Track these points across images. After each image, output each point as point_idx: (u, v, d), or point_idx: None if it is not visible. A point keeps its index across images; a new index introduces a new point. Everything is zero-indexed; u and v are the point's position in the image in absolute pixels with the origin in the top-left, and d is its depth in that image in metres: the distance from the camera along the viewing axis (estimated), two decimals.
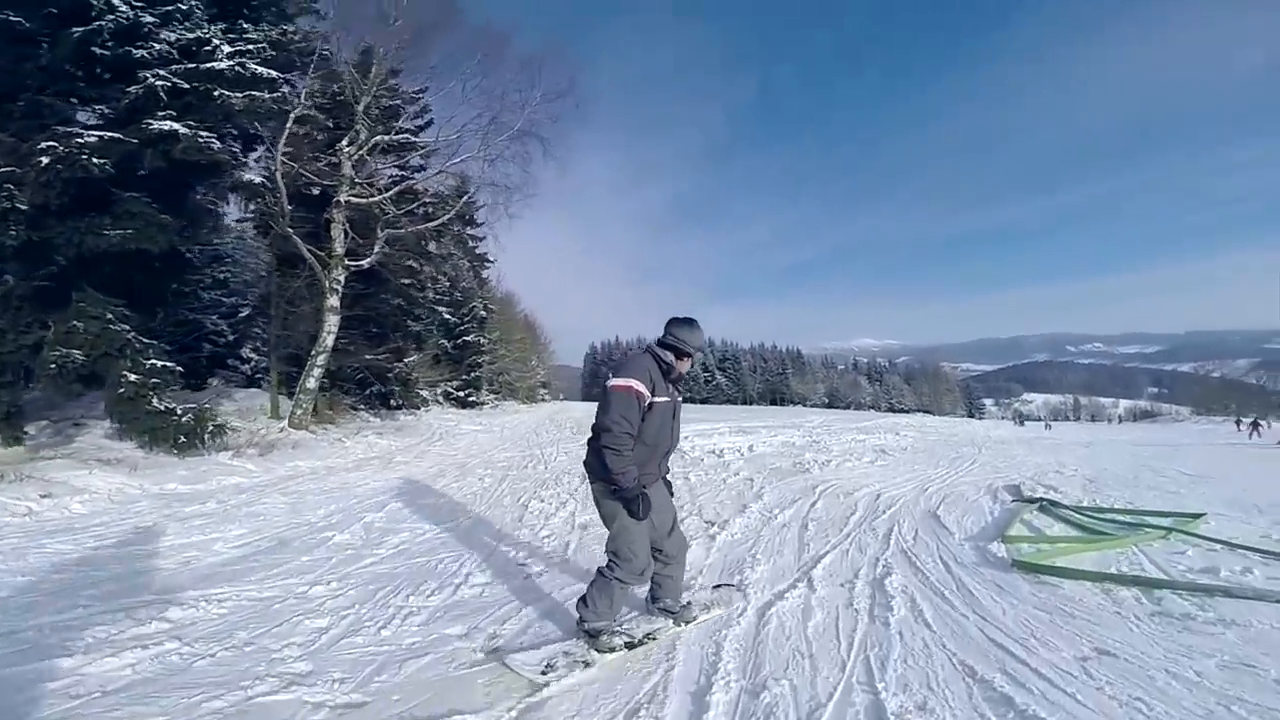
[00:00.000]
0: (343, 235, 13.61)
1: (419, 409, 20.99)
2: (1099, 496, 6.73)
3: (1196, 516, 5.17)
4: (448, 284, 31.56)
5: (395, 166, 15.72)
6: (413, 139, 15.32)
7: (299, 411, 13.07)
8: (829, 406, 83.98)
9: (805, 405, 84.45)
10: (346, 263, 13.77)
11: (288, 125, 11.81)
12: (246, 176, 11.33)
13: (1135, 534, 4.59)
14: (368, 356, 16.55)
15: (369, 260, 14.15)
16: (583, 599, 2.81)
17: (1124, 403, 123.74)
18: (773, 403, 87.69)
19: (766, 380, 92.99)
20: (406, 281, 17.32)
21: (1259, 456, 11.96)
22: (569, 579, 3.99)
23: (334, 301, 13.59)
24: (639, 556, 2.73)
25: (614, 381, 2.65)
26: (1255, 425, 27.83)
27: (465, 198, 16.51)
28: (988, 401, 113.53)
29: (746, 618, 3.22)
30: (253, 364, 17.97)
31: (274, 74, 9.96)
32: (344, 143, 13.52)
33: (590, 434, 2.81)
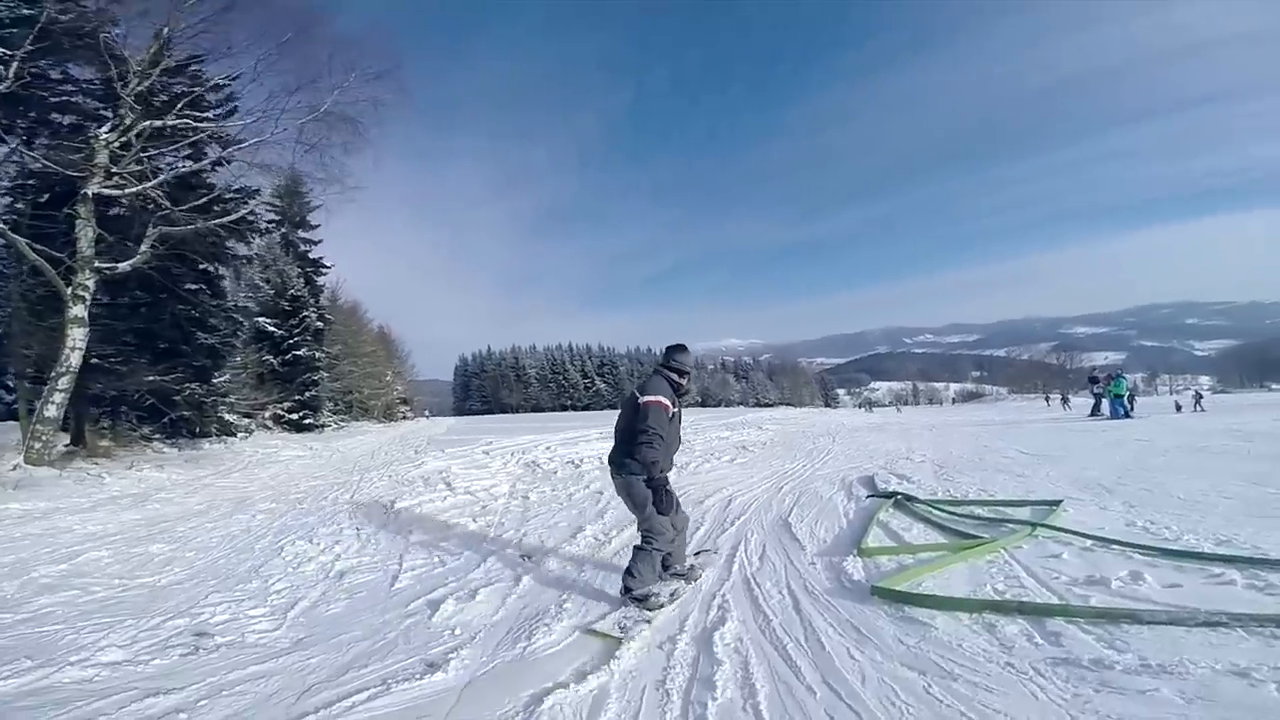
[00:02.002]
0: (90, 233, 10.90)
1: (234, 435, 17.71)
2: (951, 484, 6.33)
3: (1055, 504, 4.73)
4: (272, 293, 27.81)
5: (186, 158, 13.04)
6: (194, 124, 12.65)
7: (37, 445, 10.26)
8: (701, 405, 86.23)
9: None
10: (98, 265, 11.04)
11: None
12: None
13: (1001, 535, 3.98)
14: (149, 378, 13.49)
15: (131, 263, 11.43)
16: (629, 572, 3.19)
17: (954, 386, 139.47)
18: None
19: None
20: (193, 287, 14.39)
21: (1078, 430, 12.82)
22: (257, 654, 2.79)
23: (79, 312, 10.78)
24: (668, 529, 3.31)
25: (648, 399, 3.21)
26: (1065, 399, 33.63)
27: (266, 192, 14.05)
28: (841, 391, 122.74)
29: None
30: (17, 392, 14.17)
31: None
32: (104, 129, 11.02)
33: (617, 438, 3.43)
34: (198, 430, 15.96)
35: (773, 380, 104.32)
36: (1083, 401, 23.40)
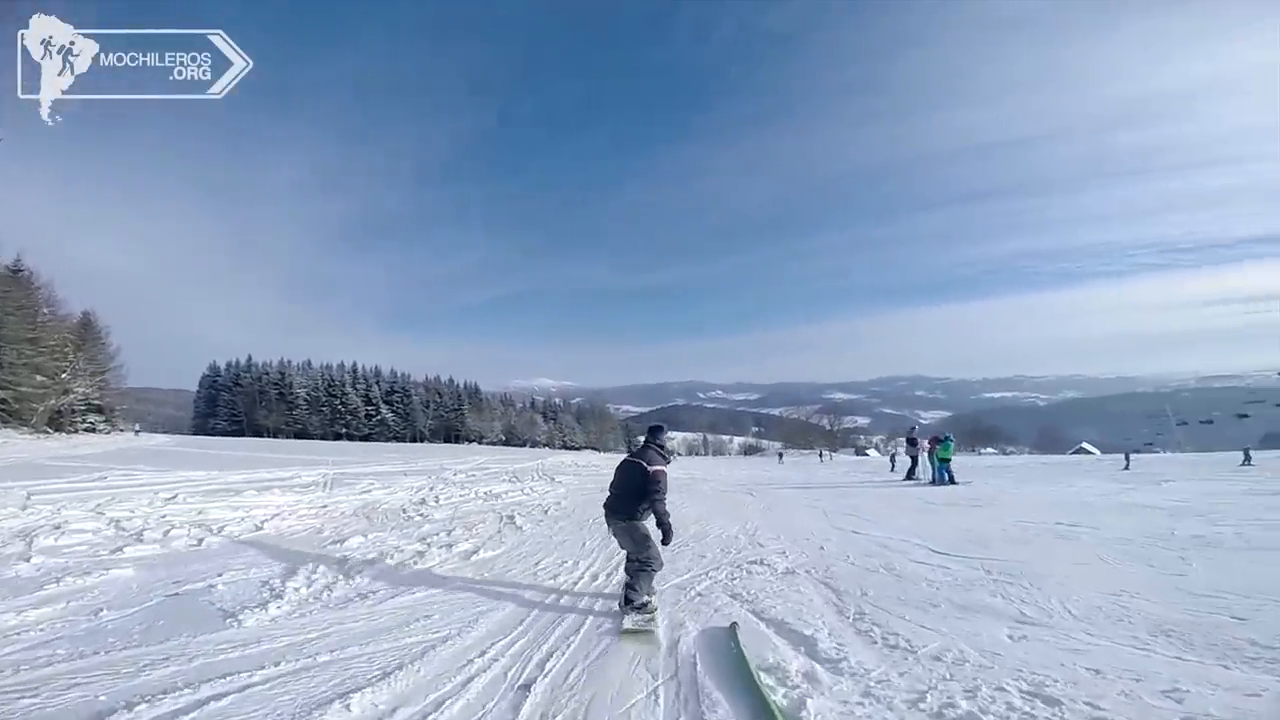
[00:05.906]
0: None
1: None
2: (903, 658, 2.91)
3: None
4: None
5: None
6: None
7: None
8: (506, 444, 79.98)
9: (481, 443, 78.70)
10: None
11: None
12: None
13: None
14: None
15: None
16: (631, 588, 4.05)
17: (737, 439, 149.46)
18: (447, 440, 79.65)
19: (441, 416, 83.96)
20: None
21: (933, 502, 10.77)
22: None
23: None
24: (660, 556, 4.26)
25: (656, 468, 4.17)
26: (823, 454, 39.29)
27: None
28: (642, 439, 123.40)
29: None
30: None
31: None
32: None
33: (615, 490, 4.40)
34: None
35: (580, 424, 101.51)
36: (847, 458, 23.16)
